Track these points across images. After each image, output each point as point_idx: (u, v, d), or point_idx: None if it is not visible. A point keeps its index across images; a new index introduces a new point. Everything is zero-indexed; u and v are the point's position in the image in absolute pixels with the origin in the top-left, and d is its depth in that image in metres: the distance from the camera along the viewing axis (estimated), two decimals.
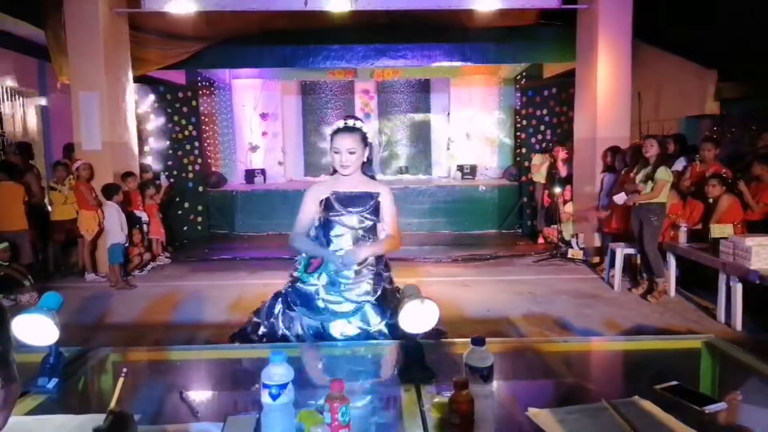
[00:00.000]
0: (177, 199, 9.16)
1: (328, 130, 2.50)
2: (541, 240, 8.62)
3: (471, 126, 11.72)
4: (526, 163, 9.45)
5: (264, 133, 11.76)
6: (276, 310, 2.53)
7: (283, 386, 1.29)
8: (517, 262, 7.48)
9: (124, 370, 1.47)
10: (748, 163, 5.63)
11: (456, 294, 5.88)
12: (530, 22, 8.70)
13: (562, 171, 8.04)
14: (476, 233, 9.60)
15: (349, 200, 2.45)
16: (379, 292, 2.41)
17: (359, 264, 2.40)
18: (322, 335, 2.36)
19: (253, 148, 11.75)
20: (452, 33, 8.80)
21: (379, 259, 2.49)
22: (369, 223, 2.46)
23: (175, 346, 2.41)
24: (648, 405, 1.54)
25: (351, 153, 2.41)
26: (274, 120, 11.83)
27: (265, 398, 1.30)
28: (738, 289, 4.59)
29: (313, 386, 1.77)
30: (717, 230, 4.94)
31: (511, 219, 9.89)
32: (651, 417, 1.48)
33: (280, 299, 2.56)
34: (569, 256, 7.40)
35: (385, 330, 2.36)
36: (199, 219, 9.65)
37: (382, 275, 2.48)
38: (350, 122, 2.45)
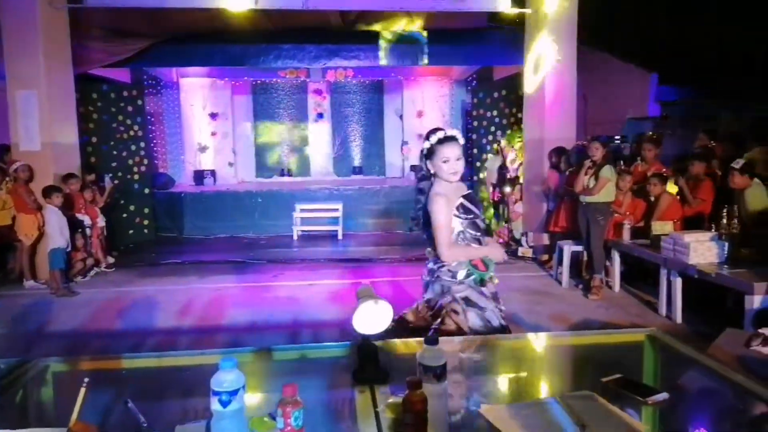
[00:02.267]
0: (122, 202, 8.86)
1: (426, 143, 2.54)
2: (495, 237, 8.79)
3: (424, 126, 11.82)
4: (477, 164, 9.61)
5: (213, 134, 11.53)
6: (460, 316, 2.49)
7: (234, 393, 1.26)
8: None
9: (86, 380, 1.40)
10: (687, 162, 5.89)
11: (410, 294, 5.91)
12: (480, 25, 8.86)
13: (512, 171, 8.21)
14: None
15: (474, 202, 2.60)
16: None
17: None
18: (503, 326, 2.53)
19: (203, 149, 11.49)
20: (404, 34, 8.85)
21: None
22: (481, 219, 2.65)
23: (121, 354, 2.32)
24: (595, 398, 1.58)
25: (458, 160, 2.52)
26: (224, 120, 11.61)
27: (215, 405, 1.27)
28: (678, 283, 4.80)
29: (266, 391, 1.74)
30: (658, 227, 5.15)
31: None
32: (598, 409, 1.53)
33: (449, 312, 2.49)
34: (519, 254, 7.57)
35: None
36: (146, 222, 9.36)
37: None
38: (450, 132, 2.54)
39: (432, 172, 2.55)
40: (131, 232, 9.10)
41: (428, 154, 2.53)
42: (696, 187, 5.57)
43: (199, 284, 6.50)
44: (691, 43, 9.76)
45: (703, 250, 4.50)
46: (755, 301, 3.86)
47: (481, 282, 2.53)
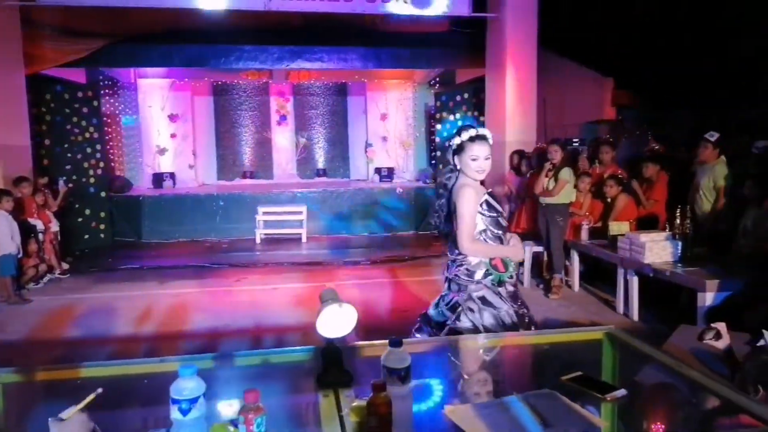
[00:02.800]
0: (77, 206, 8.58)
1: (457, 139, 2.60)
2: None
3: (388, 129, 11.87)
4: (441, 166, 9.69)
5: (173, 135, 11.27)
6: (468, 321, 2.54)
7: (194, 400, 1.24)
8: (434, 262, 7.63)
9: (99, 390, 1.35)
10: (640, 165, 6.07)
11: (374, 296, 5.92)
12: (443, 29, 8.95)
13: None
14: (394, 235, 9.73)
15: (497, 201, 2.67)
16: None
17: None
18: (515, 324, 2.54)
19: (162, 151, 11.23)
20: (368, 37, 8.87)
21: None
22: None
23: (75, 363, 2.24)
24: (556, 396, 1.61)
25: (487, 159, 2.57)
26: (183, 122, 11.37)
27: (175, 414, 1.24)
28: (634, 282, 4.94)
29: (227, 398, 1.71)
30: (615, 228, 5.29)
31: (428, 220, 10.10)
32: (559, 407, 1.55)
33: (465, 310, 2.56)
34: None
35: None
36: (102, 226, 9.10)
37: None
38: (481, 131, 2.59)
39: (458, 168, 2.61)
40: (86, 237, 8.82)
41: (457, 150, 2.59)
42: (650, 189, 5.75)
43: (159, 290, 6.34)
44: (645, 49, 10.10)
45: (658, 250, 4.64)
46: (707, 298, 4.00)
47: (499, 282, 2.57)
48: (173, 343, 4.67)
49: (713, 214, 5.11)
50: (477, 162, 2.55)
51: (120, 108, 10.78)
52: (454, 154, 2.62)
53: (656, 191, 5.71)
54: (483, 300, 2.55)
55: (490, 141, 2.60)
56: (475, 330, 2.49)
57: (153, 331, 4.95)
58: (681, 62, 9.91)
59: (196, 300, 5.95)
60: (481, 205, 2.57)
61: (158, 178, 10.72)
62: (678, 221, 4.70)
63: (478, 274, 2.56)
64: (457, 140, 2.59)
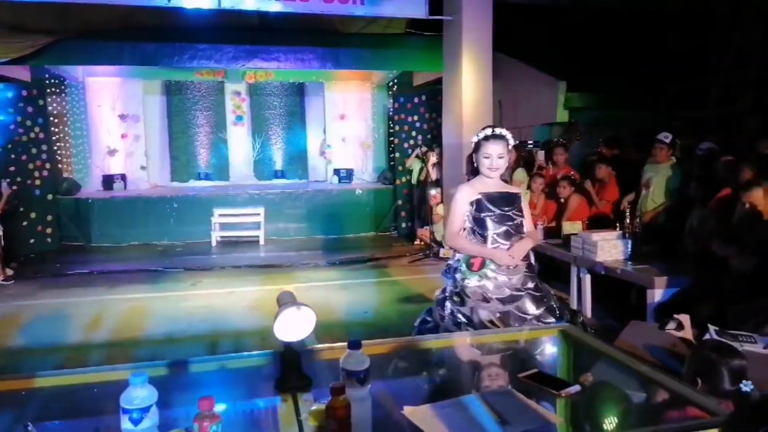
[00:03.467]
0: (21, 209, 8.22)
1: (473, 138, 2.77)
2: (418, 241, 8.94)
3: (346, 130, 11.82)
4: (400, 167, 9.73)
5: (124, 136, 10.91)
6: (447, 310, 2.72)
7: (146, 410, 1.20)
8: (393, 263, 7.66)
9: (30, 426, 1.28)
10: (592, 166, 6.26)
11: (334, 298, 5.89)
12: (400, 31, 8.99)
13: (433, 174, 8.39)
14: (353, 236, 9.70)
15: (499, 200, 2.70)
16: (535, 283, 2.71)
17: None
18: (492, 323, 2.60)
19: (112, 152, 10.86)
20: (325, 38, 8.83)
21: (529, 252, 2.75)
22: (518, 220, 2.72)
23: (20, 373, 2.15)
24: (513, 393, 1.64)
25: (500, 158, 2.68)
26: (134, 122, 11.01)
27: (126, 424, 1.20)
28: (587, 280, 5.07)
29: (182, 406, 1.67)
30: (568, 227, 5.43)
31: (387, 221, 10.12)
32: (515, 404, 1.58)
33: (447, 299, 2.75)
34: (441, 255, 7.73)
35: (541, 317, 2.63)
36: (49, 230, 8.75)
37: (534, 267, 2.77)
38: (497, 130, 2.71)
39: (476, 165, 2.74)
40: (32, 241, 8.47)
41: (475, 148, 2.75)
42: (602, 189, 5.93)
43: (109, 295, 6.14)
44: (594, 52, 10.40)
45: (609, 248, 4.77)
46: (656, 295, 4.15)
47: (464, 279, 2.68)
48: (125, 350, 4.53)
49: (664, 214, 5.31)
50: (489, 160, 2.68)
51: (67, 107, 10.38)
52: (473, 152, 2.77)
53: (608, 192, 5.89)
54: (459, 296, 2.69)
55: (509, 140, 2.73)
56: (453, 319, 2.66)
57: (104, 339, 4.79)
58: (628, 64, 10.27)
59: (149, 305, 5.79)
60: (471, 204, 2.69)
61: (108, 180, 10.36)
62: (627, 220, 4.86)
63: (459, 272, 2.72)
64: (474, 139, 2.77)
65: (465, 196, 2.72)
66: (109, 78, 10.69)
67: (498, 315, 2.65)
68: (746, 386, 1.90)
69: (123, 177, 10.51)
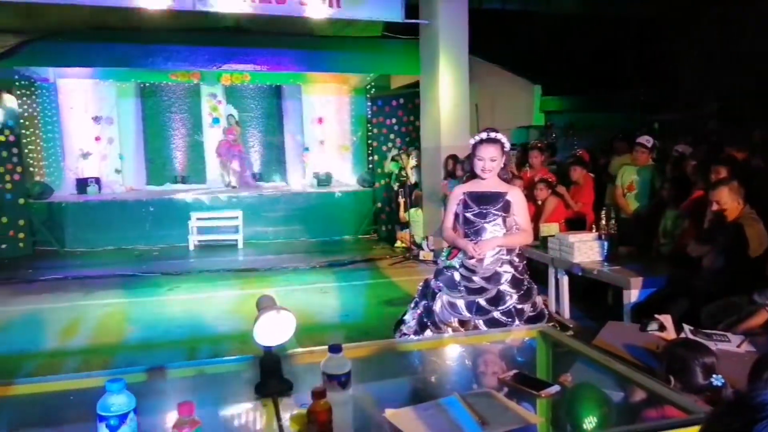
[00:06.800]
0: None
1: (471, 141, 2.93)
2: (398, 243, 8.95)
3: (324, 134, 11.78)
4: (379, 170, 9.74)
5: (97, 138, 10.72)
6: (428, 296, 2.99)
7: (123, 417, 1.18)
8: (373, 266, 7.66)
9: None
10: (567, 169, 6.34)
11: (314, 301, 5.86)
12: (377, 34, 9.01)
13: (412, 178, 8.41)
14: (333, 239, 9.67)
15: (482, 199, 2.89)
16: (509, 278, 2.87)
17: (493, 253, 2.84)
18: (459, 312, 2.84)
19: (85, 155, 10.65)
20: (302, 40, 8.80)
21: (512, 249, 2.92)
22: (498, 218, 2.88)
23: None
24: (493, 394, 1.65)
25: (492, 161, 2.84)
26: (108, 124, 10.82)
27: (103, 431, 1.17)
28: (565, 281, 5.13)
29: (161, 412, 1.64)
30: (545, 229, 5.48)
31: (367, 224, 10.11)
32: (496, 405, 1.59)
33: (430, 285, 3.01)
34: (420, 258, 7.76)
35: (514, 312, 2.81)
36: (21, 235, 8.55)
37: (514, 263, 2.92)
38: (492, 134, 2.86)
39: (472, 167, 2.95)
40: (4, 246, 8.28)
41: (472, 151, 2.92)
42: (578, 191, 6.01)
43: (85, 301, 6.02)
44: (570, 57, 10.57)
45: (586, 250, 4.83)
46: (632, 295, 4.20)
47: (447, 267, 2.92)
48: (102, 357, 4.44)
49: (642, 215, 5.40)
50: (482, 162, 2.86)
51: (38, 110, 10.16)
52: (469, 155, 3.00)
53: (584, 194, 5.97)
54: (441, 289, 2.93)
55: (504, 144, 2.89)
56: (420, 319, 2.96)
57: (79, 345, 4.70)
58: (601, 69, 10.45)
59: (126, 311, 5.70)
60: (458, 203, 2.94)
61: (82, 184, 10.16)
62: (603, 222, 4.93)
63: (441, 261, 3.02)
64: (471, 142, 2.93)
65: (456, 194, 2.99)
66: (82, 80, 10.49)
67: (458, 319, 2.87)
68: (717, 380, 1.96)
69: (97, 180, 10.32)
